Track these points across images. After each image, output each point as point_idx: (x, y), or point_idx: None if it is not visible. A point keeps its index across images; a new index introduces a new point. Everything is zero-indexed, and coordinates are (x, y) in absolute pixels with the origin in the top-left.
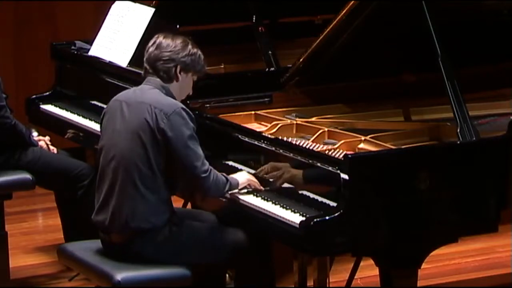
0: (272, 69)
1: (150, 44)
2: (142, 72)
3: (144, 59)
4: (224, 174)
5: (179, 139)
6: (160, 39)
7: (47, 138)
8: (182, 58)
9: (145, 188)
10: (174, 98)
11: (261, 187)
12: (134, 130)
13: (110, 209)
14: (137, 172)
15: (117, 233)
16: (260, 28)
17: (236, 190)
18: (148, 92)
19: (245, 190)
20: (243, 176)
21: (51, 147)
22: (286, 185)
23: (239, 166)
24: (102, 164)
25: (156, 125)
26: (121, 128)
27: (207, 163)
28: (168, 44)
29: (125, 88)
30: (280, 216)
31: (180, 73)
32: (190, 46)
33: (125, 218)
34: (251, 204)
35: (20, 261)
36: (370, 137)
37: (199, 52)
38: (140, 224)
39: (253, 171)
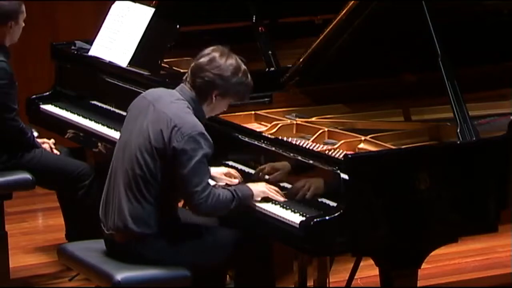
0: (272, 69)
1: (204, 52)
2: (185, 75)
3: (192, 63)
4: (231, 189)
5: (186, 162)
6: (215, 54)
7: (51, 141)
8: (226, 85)
9: (149, 194)
10: (201, 114)
11: (282, 197)
12: (148, 137)
13: (114, 207)
14: (142, 178)
15: (119, 233)
16: (260, 28)
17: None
18: (175, 102)
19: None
20: (260, 187)
21: (55, 151)
22: (286, 185)
23: (239, 166)
24: (115, 157)
25: (169, 140)
26: (140, 130)
27: (208, 188)
28: (219, 64)
29: (126, 88)
30: (280, 216)
31: (216, 97)
32: (240, 74)
33: (127, 221)
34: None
35: (20, 261)
36: (370, 137)
37: (248, 80)
38: (142, 229)
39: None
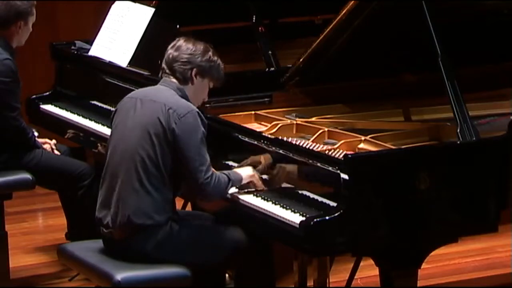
0: (272, 69)
1: (170, 46)
2: (160, 73)
3: (164, 59)
4: (225, 172)
5: (189, 142)
6: (181, 42)
7: (53, 141)
8: (200, 62)
9: (150, 185)
10: (189, 101)
11: (263, 186)
12: (145, 127)
13: (113, 204)
14: (143, 169)
15: (118, 229)
16: (260, 28)
17: (238, 189)
18: (164, 92)
19: (246, 190)
20: (247, 172)
21: (56, 152)
22: (285, 184)
23: None
24: (109, 158)
25: (168, 125)
26: (133, 124)
27: (211, 169)
28: (188, 47)
29: (126, 88)
30: (280, 216)
31: (196, 76)
32: (210, 53)
33: (128, 213)
34: (251, 204)
35: (20, 261)
36: (370, 137)
37: (219, 61)
38: (142, 220)
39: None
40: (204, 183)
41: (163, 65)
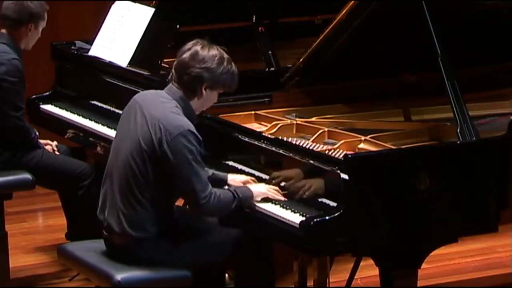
0: (272, 69)
1: (184, 48)
2: (170, 75)
3: (175, 62)
4: (231, 189)
5: (180, 163)
6: (197, 48)
7: (54, 143)
8: (212, 76)
9: (143, 198)
10: (191, 112)
11: (282, 197)
12: (138, 141)
13: (108, 210)
14: (135, 181)
15: (116, 235)
16: (260, 28)
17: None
18: (164, 103)
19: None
20: (259, 188)
21: (57, 153)
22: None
23: (239, 166)
24: (109, 163)
25: (159, 144)
26: (129, 133)
27: (208, 187)
28: (203, 57)
29: (126, 88)
30: (280, 216)
31: (205, 90)
32: (225, 63)
33: (123, 225)
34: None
35: (20, 261)
36: (370, 137)
37: (233, 68)
38: (138, 233)
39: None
40: (202, 203)
41: (173, 69)
